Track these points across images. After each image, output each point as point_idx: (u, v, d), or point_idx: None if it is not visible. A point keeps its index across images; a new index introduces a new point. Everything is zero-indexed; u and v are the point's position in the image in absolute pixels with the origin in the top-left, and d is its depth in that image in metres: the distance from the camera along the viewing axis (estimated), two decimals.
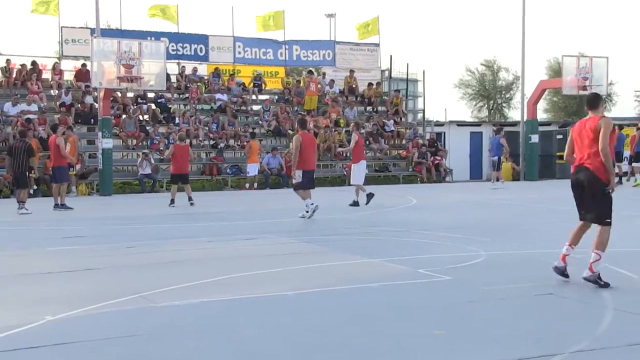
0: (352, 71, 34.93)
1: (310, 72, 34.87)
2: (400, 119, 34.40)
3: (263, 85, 33.36)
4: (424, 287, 8.60)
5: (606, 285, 8.04)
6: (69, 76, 30.72)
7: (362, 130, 28.24)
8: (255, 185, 26.97)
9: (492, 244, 11.79)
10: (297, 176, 16.21)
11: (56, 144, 18.91)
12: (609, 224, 8.19)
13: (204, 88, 31.73)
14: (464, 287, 8.52)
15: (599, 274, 8.12)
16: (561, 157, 31.85)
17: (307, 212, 15.80)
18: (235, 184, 27.99)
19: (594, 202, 8.26)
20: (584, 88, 29.53)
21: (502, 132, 27.84)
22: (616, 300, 7.55)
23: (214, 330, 6.71)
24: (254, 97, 32.99)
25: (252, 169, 26.99)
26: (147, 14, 32.81)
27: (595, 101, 8.52)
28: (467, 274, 9.39)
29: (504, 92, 64.44)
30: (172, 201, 19.59)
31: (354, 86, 34.54)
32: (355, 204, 18.79)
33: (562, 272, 8.55)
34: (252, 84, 33.02)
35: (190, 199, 19.95)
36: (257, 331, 6.67)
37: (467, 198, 22.27)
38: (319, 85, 33.10)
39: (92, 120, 26.99)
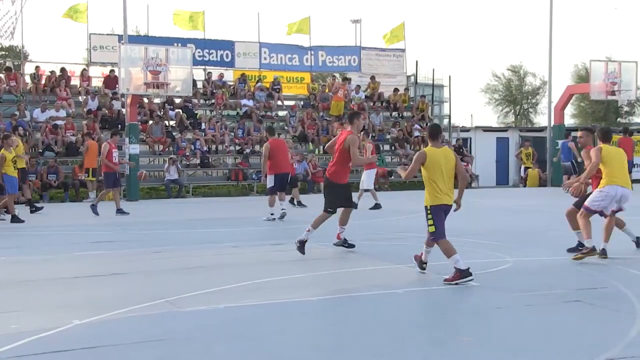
0: (373, 77, 34.90)
1: (345, 78, 34.70)
2: (427, 124, 34.24)
3: (281, 90, 33.32)
4: (450, 293, 8.55)
5: None
6: (97, 82, 30.98)
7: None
8: None
9: (519, 250, 11.71)
10: (270, 181, 16.94)
11: (102, 148, 18.91)
12: None
13: (228, 94, 31.84)
14: (490, 294, 8.46)
15: None
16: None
17: (271, 218, 16.77)
18: (261, 189, 28.02)
19: None
20: (613, 93, 29.29)
21: (570, 136, 27.89)
22: None
23: (240, 336, 6.71)
24: (279, 102, 33.04)
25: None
26: (173, 20, 32.96)
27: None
28: (494, 280, 9.34)
29: (530, 98, 64.08)
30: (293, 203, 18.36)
31: (377, 92, 34.50)
32: (377, 206, 19.20)
33: None
34: (271, 88, 33.06)
35: (300, 203, 20.38)
36: (283, 337, 6.67)
37: (493, 204, 22.15)
38: (346, 92, 33.08)
39: (120, 126, 27.20)
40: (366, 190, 19.70)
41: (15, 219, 16.80)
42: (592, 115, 56.62)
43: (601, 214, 10.39)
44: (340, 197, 11.58)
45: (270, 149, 16.95)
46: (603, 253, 10.19)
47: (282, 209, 17.06)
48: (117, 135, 20.13)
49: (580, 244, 10.52)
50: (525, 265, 10.42)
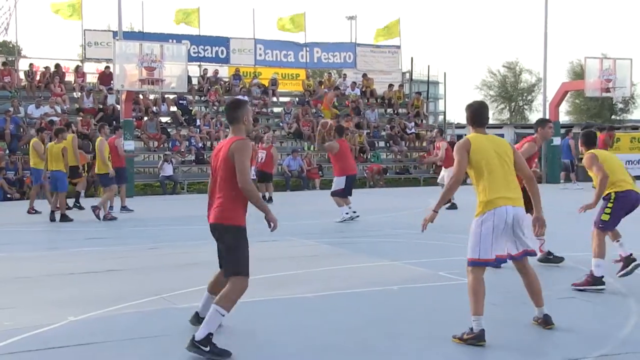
0: (365, 74, 34.93)
1: (336, 88, 34.38)
2: (422, 121, 34.32)
3: (276, 89, 33.35)
4: (445, 290, 8.57)
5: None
6: (91, 79, 30.93)
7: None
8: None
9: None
10: (340, 183, 16.03)
11: (114, 145, 18.68)
12: None
13: (222, 91, 31.81)
14: (485, 291, 8.46)
15: None
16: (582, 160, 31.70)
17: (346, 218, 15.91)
18: (256, 186, 28.00)
19: None
20: (607, 90, 29.35)
21: (571, 133, 28.06)
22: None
23: (234, 332, 6.72)
24: (274, 99, 33.06)
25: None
26: (174, 19, 32.97)
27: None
28: (489, 277, 9.32)
29: (525, 94, 64.20)
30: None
31: (371, 89, 34.53)
32: (453, 206, 18.41)
33: None
34: (269, 85, 33.06)
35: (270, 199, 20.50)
36: (277, 333, 6.68)
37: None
38: (334, 99, 32.72)
39: (114, 122, 27.14)
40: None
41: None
42: (587, 112, 56.76)
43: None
44: None
45: (340, 149, 15.95)
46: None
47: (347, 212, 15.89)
48: (120, 130, 20.12)
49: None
50: None
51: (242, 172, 5.95)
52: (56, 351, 6.17)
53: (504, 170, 6.38)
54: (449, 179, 6.59)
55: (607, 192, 8.63)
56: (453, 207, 18.13)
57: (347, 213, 15.71)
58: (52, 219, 16.30)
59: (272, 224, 6.25)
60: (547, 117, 31.68)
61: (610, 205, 8.58)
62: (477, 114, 6.77)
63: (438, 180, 19.48)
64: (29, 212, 18.26)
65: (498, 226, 6.25)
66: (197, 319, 6.46)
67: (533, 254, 6.64)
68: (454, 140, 33.12)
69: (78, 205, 19.55)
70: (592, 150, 8.92)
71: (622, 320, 6.86)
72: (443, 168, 19.52)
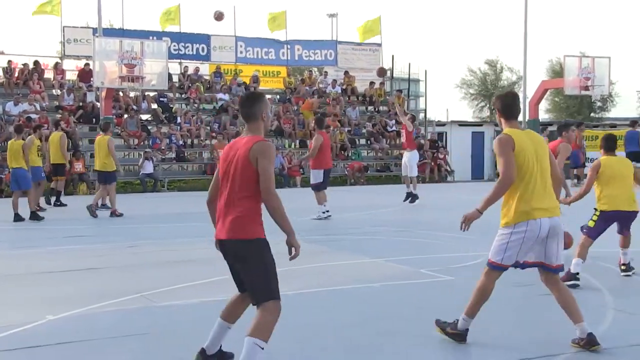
0: (347, 72, 34.98)
1: (319, 95, 34.17)
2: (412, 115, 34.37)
3: (257, 86, 33.27)
4: (426, 287, 8.58)
5: None
6: (71, 76, 30.75)
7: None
8: None
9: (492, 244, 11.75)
10: (317, 176, 16.07)
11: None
12: None
13: (202, 88, 31.73)
14: (465, 287, 8.48)
15: None
16: None
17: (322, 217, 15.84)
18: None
19: None
20: (586, 88, 29.55)
21: (547, 130, 28.38)
22: (616, 302, 7.53)
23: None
24: None
25: None
26: (160, 20, 32.86)
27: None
28: (469, 274, 9.36)
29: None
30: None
31: (352, 86, 34.56)
32: (411, 197, 18.56)
33: None
34: (251, 83, 33.01)
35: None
36: None
37: (469, 198, 22.20)
38: (312, 102, 32.64)
39: (94, 119, 26.98)
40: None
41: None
42: (567, 110, 57.05)
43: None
44: None
45: (323, 142, 15.73)
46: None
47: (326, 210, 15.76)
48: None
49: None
50: None
51: (267, 181, 5.01)
52: (34, 350, 6.12)
53: (543, 176, 5.83)
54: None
55: (597, 204, 8.68)
56: (415, 198, 18.32)
57: (327, 211, 15.71)
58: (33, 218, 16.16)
59: (293, 250, 5.14)
60: (527, 115, 31.89)
61: (595, 217, 8.67)
62: (510, 104, 6.11)
63: (407, 173, 19.36)
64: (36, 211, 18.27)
65: (529, 238, 5.79)
66: (204, 357, 5.51)
67: (556, 269, 6.00)
68: (434, 137, 33.28)
69: (59, 203, 19.47)
70: (602, 158, 8.79)
71: (600, 316, 6.91)
72: (406, 152, 19.53)
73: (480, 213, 6.02)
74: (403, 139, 19.98)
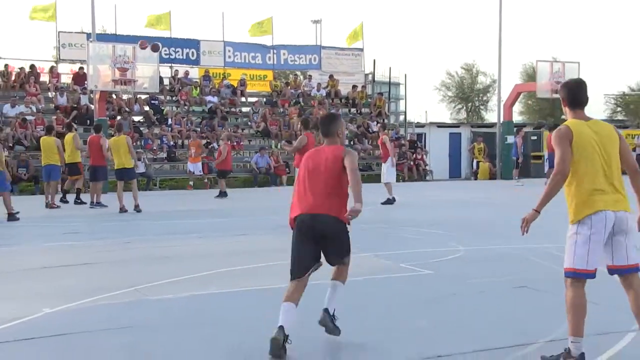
0: (331, 76, 35.03)
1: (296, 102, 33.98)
2: (383, 120, 34.40)
3: (245, 89, 33.29)
4: (407, 280, 8.60)
5: None
6: (66, 79, 30.60)
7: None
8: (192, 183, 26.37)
9: (470, 239, 11.83)
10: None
11: (99, 144, 18.64)
12: None
13: (194, 91, 31.69)
14: (445, 281, 8.54)
15: None
16: (536, 157, 32.06)
17: None
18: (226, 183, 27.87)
19: None
20: (557, 91, 29.70)
21: (521, 132, 28.51)
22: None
23: (204, 323, 6.71)
24: (242, 99, 33.01)
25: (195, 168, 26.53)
26: (145, 24, 32.76)
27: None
28: (448, 268, 9.43)
29: (481, 95, 64.58)
30: None
31: (336, 89, 34.61)
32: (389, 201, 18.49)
33: None
34: (238, 86, 32.98)
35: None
36: (246, 324, 6.67)
37: (447, 196, 22.33)
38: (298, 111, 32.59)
39: (88, 121, 26.86)
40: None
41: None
42: (539, 112, 57.27)
43: None
44: None
45: (308, 142, 15.40)
46: None
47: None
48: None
49: None
50: (477, 253, 10.54)
51: (355, 174, 6.04)
52: (33, 342, 6.10)
53: (608, 167, 5.13)
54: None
55: None
56: (389, 202, 18.28)
57: None
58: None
59: (352, 215, 5.94)
60: (502, 117, 32.03)
61: None
62: (575, 92, 5.38)
63: (382, 181, 19.37)
64: (49, 206, 18.37)
65: (596, 234, 5.07)
66: (282, 332, 5.76)
67: (634, 269, 5.21)
68: (414, 137, 33.36)
69: (79, 200, 19.38)
70: None
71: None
72: (382, 163, 19.55)
73: (538, 212, 5.25)
74: (381, 152, 20.04)
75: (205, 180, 26.50)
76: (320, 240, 6.08)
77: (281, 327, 5.75)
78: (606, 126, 5.36)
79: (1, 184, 15.47)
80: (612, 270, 5.25)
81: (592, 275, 5.17)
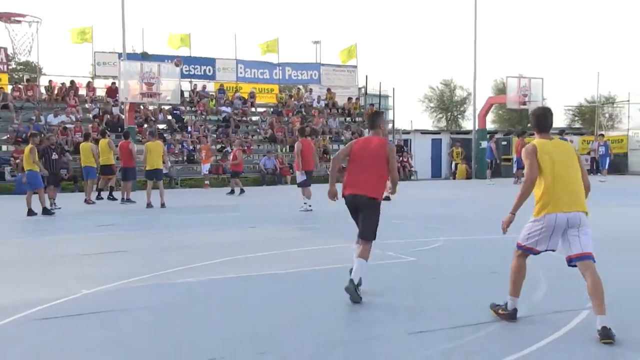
0: (329, 89, 35.04)
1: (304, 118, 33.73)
2: None
3: (254, 101, 33.35)
4: (393, 267, 8.63)
5: None
6: (100, 92, 30.65)
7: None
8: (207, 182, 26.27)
9: (450, 231, 11.85)
10: (301, 176, 16.07)
11: (129, 148, 18.88)
12: None
13: (210, 103, 31.72)
14: (426, 267, 8.58)
15: None
16: (506, 160, 32.08)
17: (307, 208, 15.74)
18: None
19: None
20: (524, 103, 29.82)
21: (494, 137, 28.45)
22: (548, 276, 7.62)
23: (221, 299, 6.77)
24: (252, 109, 33.04)
25: (204, 168, 26.46)
26: (167, 42, 32.76)
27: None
28: (430, 256, 9.46)
29: (459, 106, 64.45)
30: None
31: (333, 101, 34.63)
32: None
33: None
34: (248, 98, 33.00)
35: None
36: (261, 301, 6.72)
37: (429, 194, 22.37)
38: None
39: (120, 128, 26.89)
40: None
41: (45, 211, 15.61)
42: (509, 121, 57.18)
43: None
44: None
45: (303, 148, 15.75)
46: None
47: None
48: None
49: None
50: (455, 243, 10.57)
51: (394, 164, 6.88)
52: (73, 318, 6.15)
53: (566, 176, 5.52)
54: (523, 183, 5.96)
55: None
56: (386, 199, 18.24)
57: (309, 206, 15.74)
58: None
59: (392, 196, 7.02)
60: (477, 125, 32.06)
61: None
62: (541, 119, 5.82)
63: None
64: (87, 202, 18.50)
65: (547, 229, 5.48)
66: (352, 282, 6.57)
67: (589, 256, 5.44)
68: (401, 143, 33.36)
69: (111, 197, 19.46)
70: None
71: (534, 289, 6.99)
72: None
73: (514, 215, 5.62)
74: None
75: (206, 182, 26.32)
76: (359, 213, 6.86)
77: (351, 280, 6.55)
78: (565, 144, 5.77)
79: (35, 182, 15.52)
80: (571, 260, 5.50)
81: (534, 252, 5.71)
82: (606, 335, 5.13)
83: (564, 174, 5.50)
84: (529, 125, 60.26)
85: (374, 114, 7.34)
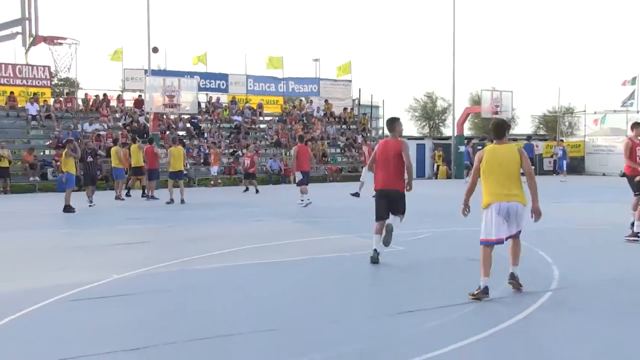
0: (326, 100, 35.01)
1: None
2: (366, 134, 34.41)
3: (262, 111, 33.34)
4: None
5: None
6: (129, 104, 30.60)
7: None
8: (220, 181, 26.22)
9: (435, 224, 11.83)
10: (298, 176, 15.97)
11: (154, 152, 18.93)
12: None
13: (224, 113, 31.68)
14: (414, 255, 8.55)
15: None
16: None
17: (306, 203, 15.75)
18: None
19: None
20: (496, 113, 29.74)
21: (471, 142, 28.40)
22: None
23: (234, 283, 6.74)
24: (260, 118, 33.01)
25: (213, 170, 26.34)
26: (192, 62, 32.90)
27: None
28: (418, 245, 9.44)
29: (440, 115, 64.37)
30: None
31: (330, 111, 34.61)
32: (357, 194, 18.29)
33: None
34: (257, 108, 32.99)
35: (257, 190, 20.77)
36: (271, 284, 6.70)
37: (415, 191, 22.27)
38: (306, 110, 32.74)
39: (145, 135, 26.84)
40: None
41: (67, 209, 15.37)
42: (483, 129, 57.12)
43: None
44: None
45: (299, 152, 15.84)
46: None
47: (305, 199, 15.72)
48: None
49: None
50: (440, 235, 10.55)
51: (409, 160, 7.71)
52: (105, 299, 6.14)
53: (503, 173, 5.97)
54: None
55: None
56: (356, 195, 18.18)
57: (308, 200, 15.73)
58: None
59: (409, 188, 7.81)
60: (455, 132, 32.01)
61: None
62: (494, 129, 6.20)
63: (360, 179, 19.30)
64: (117, 198, 18.47)
65: (495, 216, 5.92)
66: (376, 252, 7.73)
67: (517, 235, 6.14)
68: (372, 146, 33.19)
69: (146, 195, 19.39)
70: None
71: (501, 274, 6.96)
72: (364, 167, 19.53)
73: (465, 205, 6.41)
74: (363, 158, 20.08)
75: (212, 183, 26.13)
76: (390, 202, 7.72)
77: (375, 250, 7.66)
78: (510, 148, 6.13)
79: (69, 182, 15.50)
80: (508, 238, 6.10)
81: (493, 243, 6.03)
82: (511, 277, 6.16)
83: (503, 173, 5.98)
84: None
85: (390, 120, 7.98)
